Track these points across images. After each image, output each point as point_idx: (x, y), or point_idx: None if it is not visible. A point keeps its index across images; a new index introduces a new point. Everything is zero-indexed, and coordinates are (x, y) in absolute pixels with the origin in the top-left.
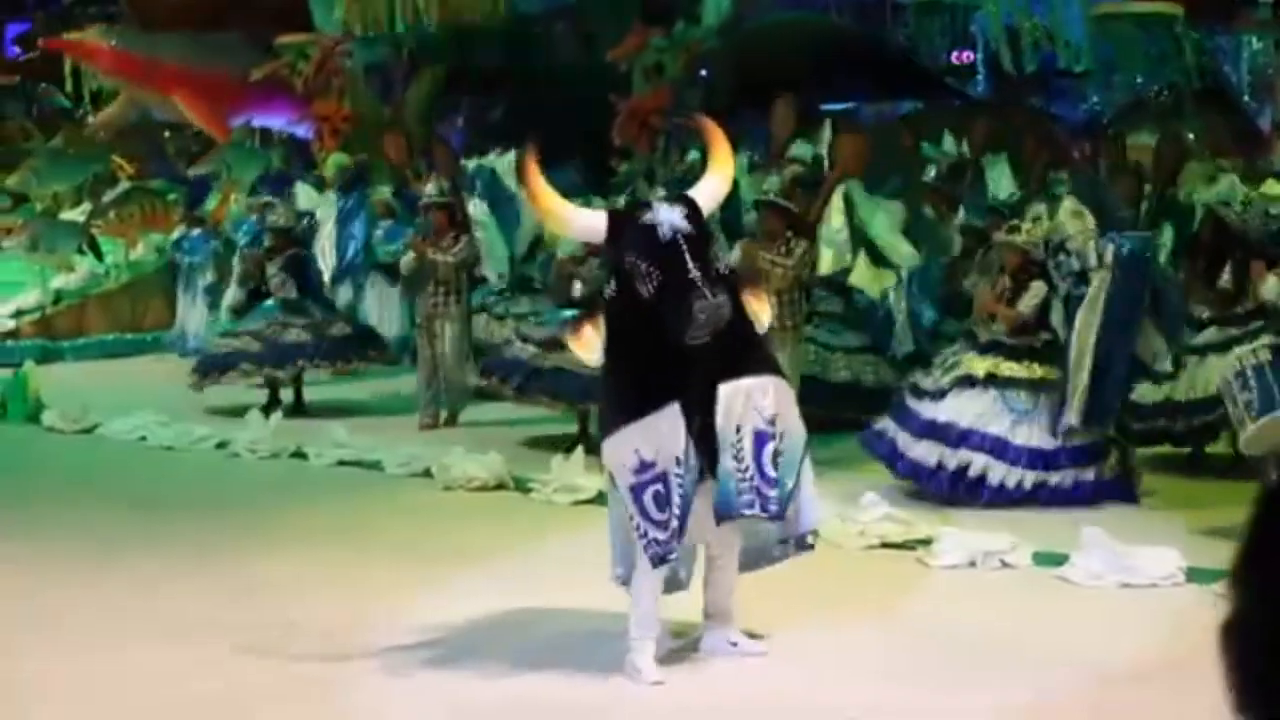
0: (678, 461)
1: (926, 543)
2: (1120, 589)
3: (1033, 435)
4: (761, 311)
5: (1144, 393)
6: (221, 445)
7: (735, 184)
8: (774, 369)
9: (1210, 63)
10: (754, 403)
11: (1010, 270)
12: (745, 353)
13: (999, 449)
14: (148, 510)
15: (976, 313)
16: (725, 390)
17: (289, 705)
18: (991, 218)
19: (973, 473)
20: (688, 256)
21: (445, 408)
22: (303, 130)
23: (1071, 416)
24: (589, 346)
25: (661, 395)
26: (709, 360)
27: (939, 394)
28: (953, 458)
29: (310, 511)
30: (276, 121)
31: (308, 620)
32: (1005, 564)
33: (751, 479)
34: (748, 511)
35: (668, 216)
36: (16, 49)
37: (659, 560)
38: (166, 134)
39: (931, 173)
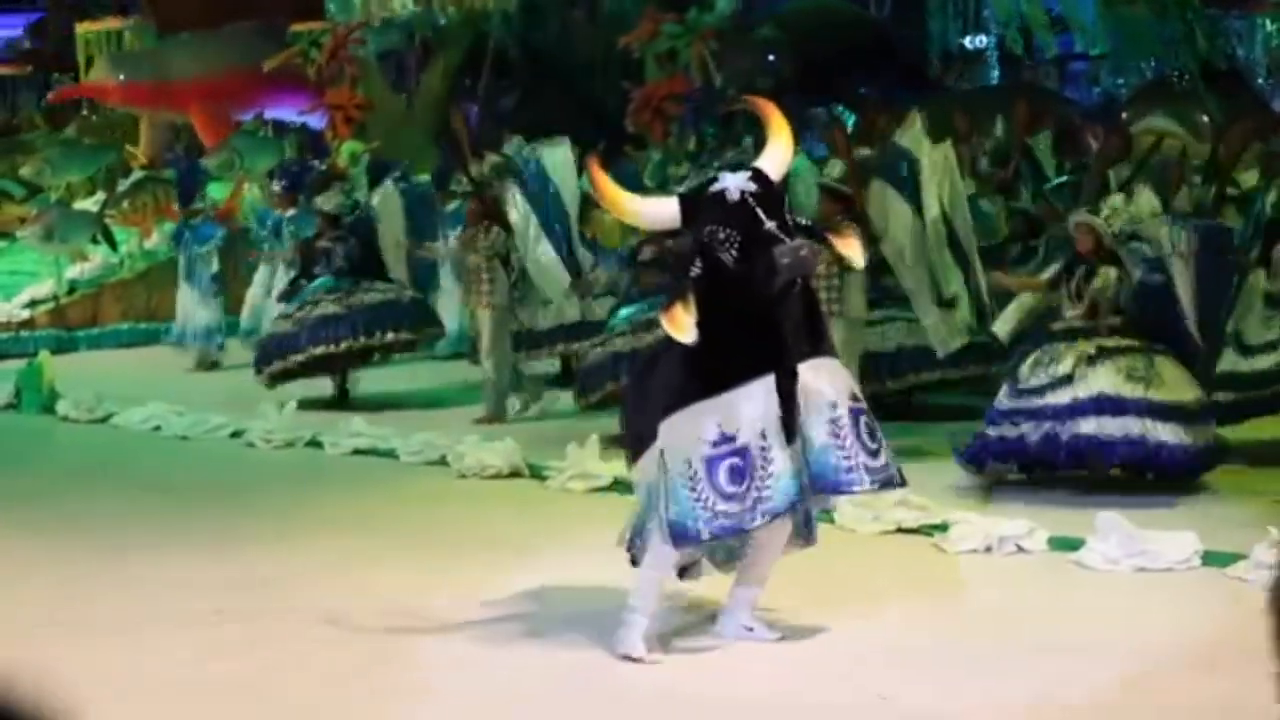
0: (763, 435)
1: (943, 528)
2: (1136, 573)
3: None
4: (851, 252)
5: (1234, 363)
6: (236, 434)
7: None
8: (835, 351)
9: (1224, 45)
10: (835, 381)
11: (1083, 252)
12: (819, 331)
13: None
14: (163, 499)
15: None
16: (807, 368)
17: (304, 690)
18: (1042, 205)
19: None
20: (760, 212)
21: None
22: (316, 119)
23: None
24: (683, 326)
25: (749, 369)
26: (793, 336)
27: (1047, 387)
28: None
29: (325, 500)
30: (289, 111)
31: (322, 607)
32: (1021, 549)
33: (853, 456)
34: (857, 489)
35: (733, 180)
36: (34, 41)
37: (724, 533)
38: (180, 124)
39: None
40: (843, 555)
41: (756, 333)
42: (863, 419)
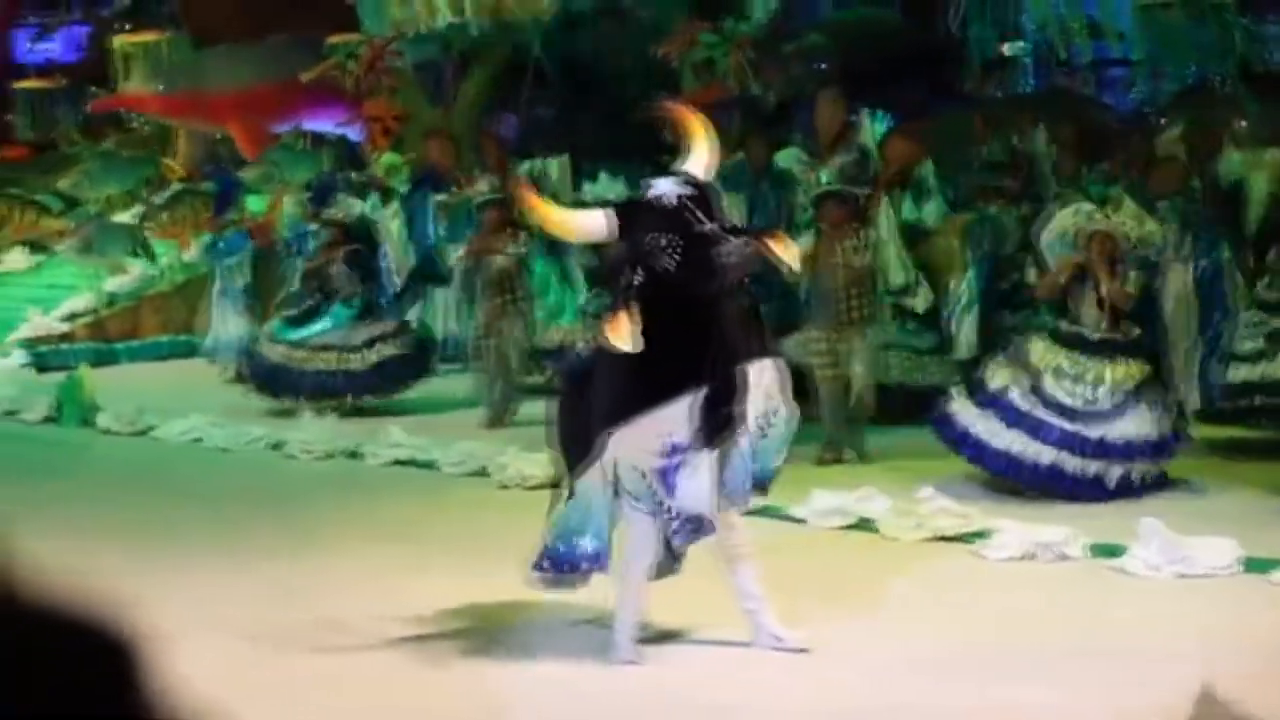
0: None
1: (983, 535)
2: (1178, 579)
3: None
4: (787, 253)
5: (1235, 373)
6: (276, 446)
7: (790, 175)
8: (773, 351)
9: (1261, 50)
10: (767, 385)
11: (1104, 256)
12: (754, 333)
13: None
14: (203, 511)
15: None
16: (751, 370)
17: (343, 700)
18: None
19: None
20: (698, 214)
21: (509, 410)
22: (354, 131)
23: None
24: (626, 335)
25: (693, 377)
26: (733, 339)
27: (1096, 413)
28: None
29: (365, 510)
30: (327, 123)
31: (363, 617)
32: (1062, 556)
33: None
34: (747, 495)
35: (666, 185)
36: (78, 53)
37: (685, 538)
38: (219, 136)
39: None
40: (883, 563)
41: (696, 341)
42: (765, 430)
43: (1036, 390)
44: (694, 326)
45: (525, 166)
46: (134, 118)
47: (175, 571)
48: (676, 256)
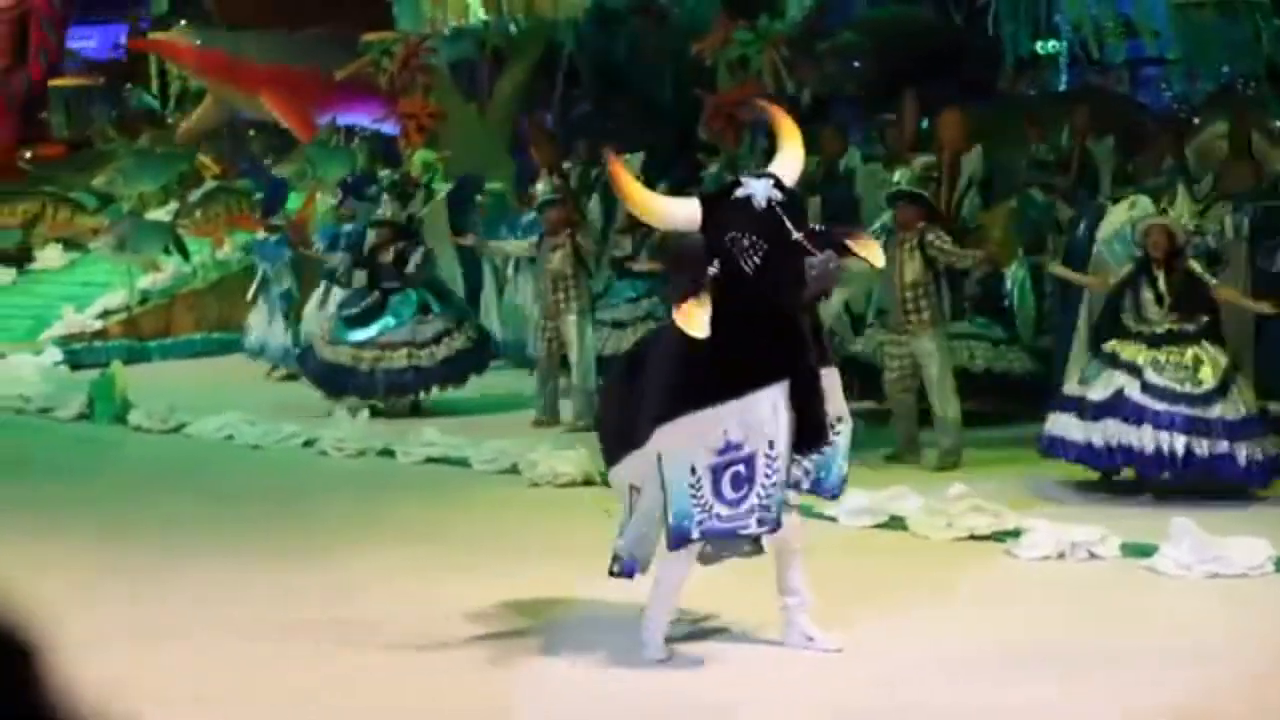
0: (770, 444)
1: (1015, 534)
2: (1209, 579)
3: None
4: (871, 253)
5: None
6: (309, 443)
7: (852, 175)
8: (831, 358)
9: None
10: (834, 395)
11: (1162, 252)
12: (821, 341)
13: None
14: (235, 508)
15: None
16: (825, 375)
17: (376, 698)
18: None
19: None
20: (787, 221)
21: (580, 414)
22: (389, 127)
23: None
24: (697, 322)
25: (760, 376)
26: (808, 343)
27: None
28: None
29: (397, 508)
30: (363, 119)
31: (394, 615)
32: (1094, 555)
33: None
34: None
35: (759, 187)
36: (114, 51)
37: (714, 535)
38: (251, 133)
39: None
40: (915, 562)
41: (768, 340)
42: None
43: (1146, 387)
44: (763, 327)
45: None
46: (171, 114)
47: (204, 569)
48: (758, 260)
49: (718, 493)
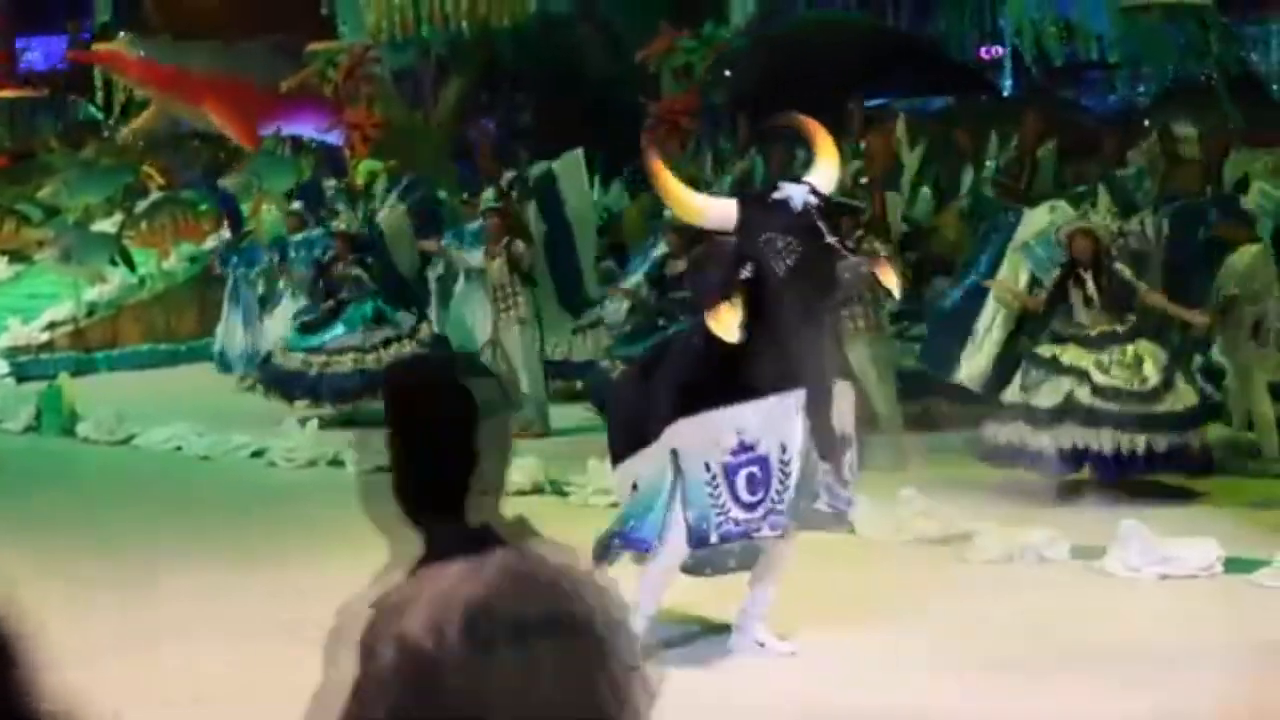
0: (783, 448)
1: (964, 538)
2: (1159, 581)
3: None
4: (889, 279)
5: None
6: (258, 454)
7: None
8: (850, 373)
9: (1239, 52)
10: (844, 407)
11: (1085, 256)
12: (836, 353)
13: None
14: (185, 519)
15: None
16: (839, 388)
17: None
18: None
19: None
20: (822, 225)
21: (532, 421)
22: (334, 137)
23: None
24: (728, 325)
25: (778, 380)
26: (829, 353)
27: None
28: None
29: (347, 516)
30: (307, 129)
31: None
32: (1043, 558)
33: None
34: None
35: (795, 190)
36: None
37: (732, 538)
38: (196, 144)
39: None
40: (865, 565)
41: (791, 344)
42: (850, 450)
43: (1096, 390)
44: (791, 330)
45: (537, 169)
46: (115, 125)
47: (156, 581)
48: (791, 261)
49: (734, 495)
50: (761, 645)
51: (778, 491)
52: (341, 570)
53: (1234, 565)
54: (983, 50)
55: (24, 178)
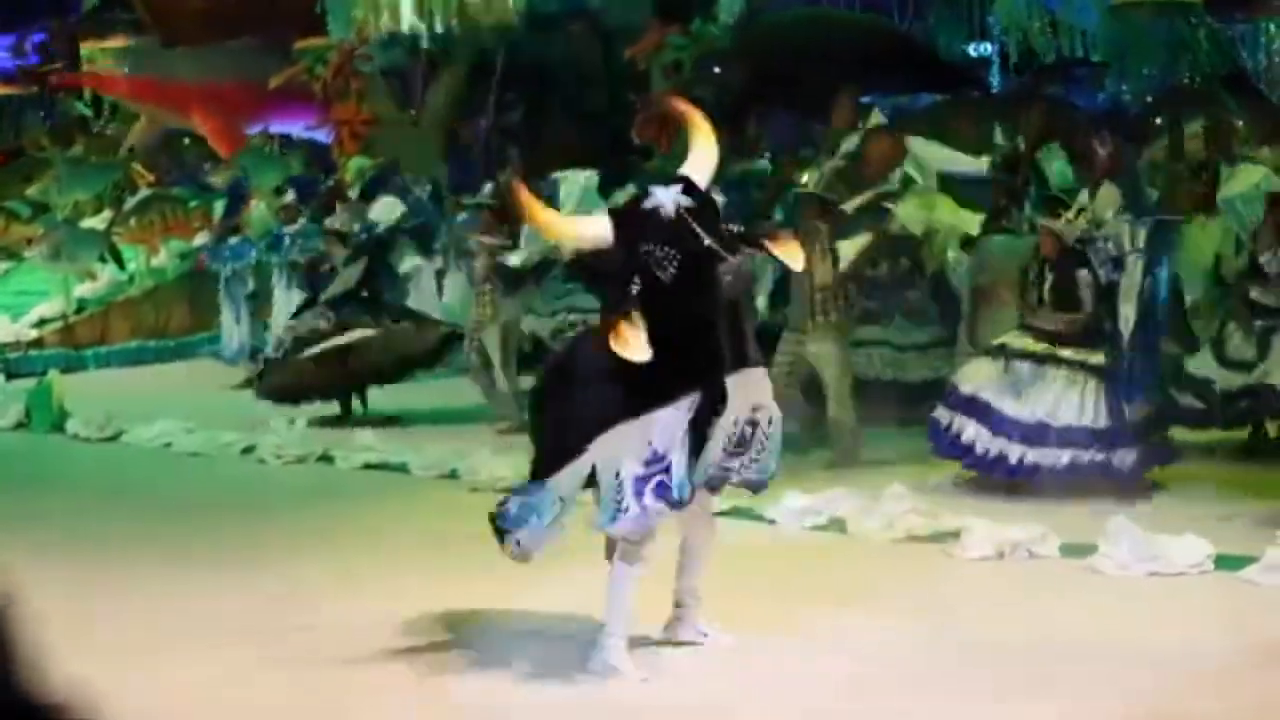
0: (683, 444)
1: (953, 535)
2: (1149, 578)
3: (1086, 416)
4: (790, 254)
5: (1228, 378)
6: (248, 450)
7: (752, 177)
8: (762, 360)
9: (1229, 50)
10: (748, 393)
11: (1048, 256)
12: (744, 340)
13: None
14: (175, 516)
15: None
16: (731, 381)
17: (319, 708)
18: (1048, 209)
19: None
20: (696, 227)
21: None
22: (323, 135)
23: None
24: (633, 346)
25: (682, 386)
26: (724, 348)
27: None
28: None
29: (338, 514)
30: (296, 126)
31: (336, 623)
32: (1033, 555)
33: (744, 464)
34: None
35: (666, 196)
36: (36, 56)
37: (628, 526)
38: (186, 141)
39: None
40: (853, 563)
41: (690, 350)
42: (755, 430)
43: (1016, 385)
44: (688, 336)
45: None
46: (105, 122)
47: (147, 579)
48: (673, 270)
49: (641, 502)
50: (706, 635)
51: (678, 491)
52: (317, 575)
53: (1224, 562)
54: (970, 47)
55: (13, 174)
